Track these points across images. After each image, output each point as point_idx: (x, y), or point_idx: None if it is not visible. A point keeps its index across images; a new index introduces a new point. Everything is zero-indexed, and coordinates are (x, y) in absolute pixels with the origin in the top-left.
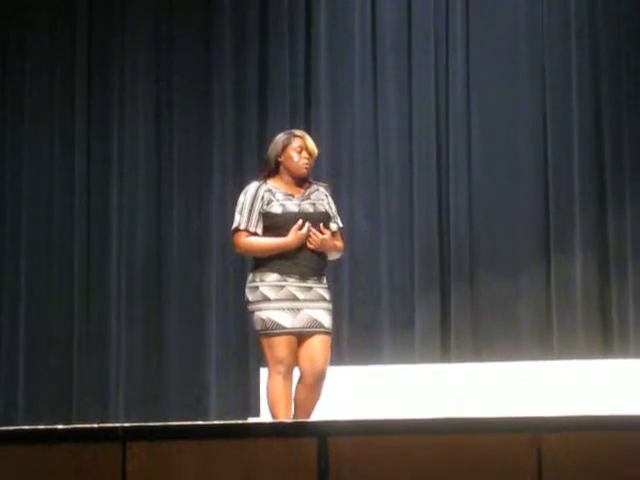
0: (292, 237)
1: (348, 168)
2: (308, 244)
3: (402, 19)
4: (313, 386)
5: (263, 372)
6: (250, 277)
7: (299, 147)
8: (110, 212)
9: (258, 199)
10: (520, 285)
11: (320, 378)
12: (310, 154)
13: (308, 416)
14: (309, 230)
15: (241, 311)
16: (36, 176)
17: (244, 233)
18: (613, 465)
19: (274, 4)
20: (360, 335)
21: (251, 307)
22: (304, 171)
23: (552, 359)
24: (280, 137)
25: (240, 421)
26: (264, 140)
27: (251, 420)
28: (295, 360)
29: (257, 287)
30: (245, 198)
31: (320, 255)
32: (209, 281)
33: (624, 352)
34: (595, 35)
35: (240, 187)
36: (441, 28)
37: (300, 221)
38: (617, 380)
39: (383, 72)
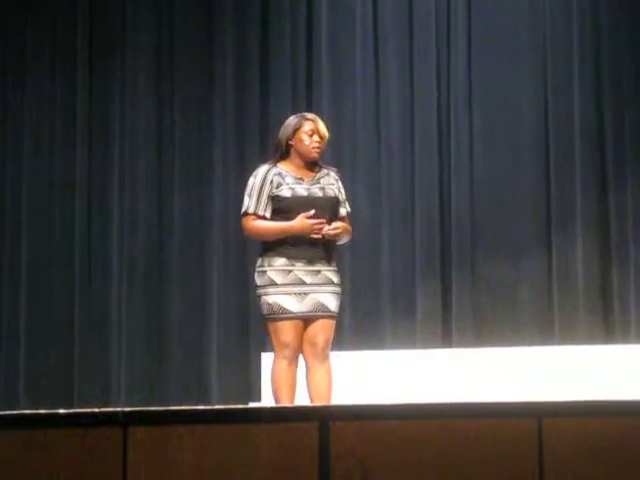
0: (298, 223)
1: (349, 154)
2: (313, 235)
3: (404, 6)
4: (315, 368)
5: (264, 357)
6: (259, 261)
7: (310, 130)
8: (111, 198)
9: (267, 182)
10: (521, 270)
11: (320, 359)
12: (321, 138)
13: (325, 402)
14: (317, 222)
15: (242, 296)
16: (37, 164)
17: (252, 217)
18: (614, 450)
19: None
20: (362, 320)
21: (258, 291)
22: (315, 155)
23: (553, 344)
24: (291, 120)
25: (241, 406)
26: (266, 128)
27: (252, 405)
28: (301, 344)
29: (265, 271)
30: (255, 181)
31: (329, 240)
32: (210, 266)
33: (625, 338)
34: (597, 23)
35: (241, 173)
36: (443, 15)
37: (313, 211)
38: (618, 365)
39: (385, 58)
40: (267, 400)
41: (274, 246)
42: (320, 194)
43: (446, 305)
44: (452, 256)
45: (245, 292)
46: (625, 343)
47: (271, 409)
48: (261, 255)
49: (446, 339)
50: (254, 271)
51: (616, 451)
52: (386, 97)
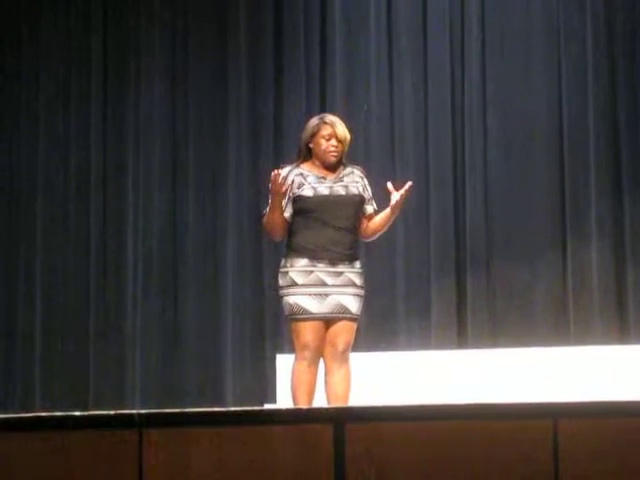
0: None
1: (363, 155)
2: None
3: (418, 10)
4: (334, 370)
5: (279, 358)
6: (282, 262)
7: (328, 135)
8: (126, 200)
9: (287, 184)
10: (536, 271)
11: (339, 361)
12: (340, 141)
13: (341, 404)
14: (274, 175)
15: (257, 298)
16: (51, 164)
17: None
18: (630, 451)
19: None
20: (376, 322)
21: (281, 292)
22: (331, 159)
23: (568, 345)
24: (311, 123)
25: (256, 407)
26: (280, 130)
27: (267, 407)
28: (322, 346)
29: (287, 272)
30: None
31: (353, 240)
32: (225, 268)
33: None
34: (611, 20)
35: (255, 176)
36: (456, 18)
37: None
38: (634, 366)
39: (399, 61)
40: (282, 402)
41: (297, 247)
42: (343, 192)
43: (461, 306)
44: (467, 257)
45: (260, 294)
46: None
47: (286, 411)
48: (284, 256)
49: (461, 340)
50: (278, 272)
51: (632, 452)
52: (400, 100)
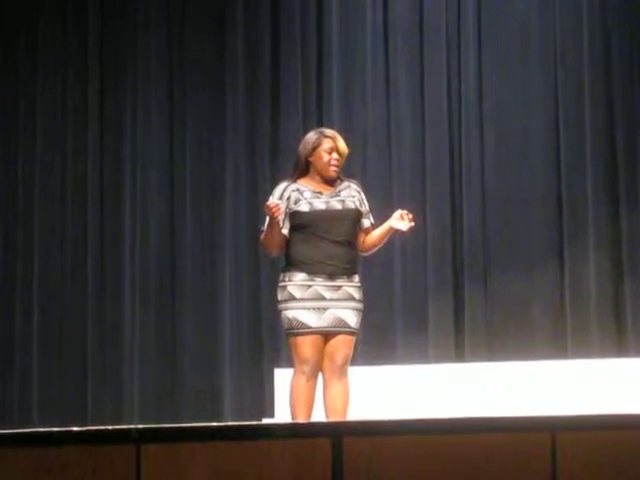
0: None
1: (360, 168)
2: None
3: (414, 21)
4: (332, 384)
5: (277, 373)
6: (280, 277)
7: (329, 148)
8: (123, 214)
9: (284, 199)
10: (534, 284)
11: (338, 375)
12: (341, 155)
13: (340, 419)
14: (270, 204)
15: (254, 312)
16: (49, 179)
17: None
18: (628, 464)
19: None
20: (374, 335)
21: (279, 306)
22: (332, 173)
23: (566, 358)
24: (310, 137)
25: (254, 422)
26: (276, 144)
27: (265, 421)
28: (321, 360)
29: (285, 286)
30: (271, 200)
31: (350, 254)
32: (222, 282)
33: (638, 351)
34: (606, 25)
35: (252, 190)
36: (453, 29)
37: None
38: (631, 379)
39: (395, 73)
40: (280, 416)
41: (295, 261)
42: (339, 207)
43: (458, 319)
44: (464, 270)
45: (257, 308)
46: (638, 356)
47: (284, 425)
48: (283, 270)
49: (459, 354)
50: (276, 287)
51: (630, 465)
52: (396, 112)
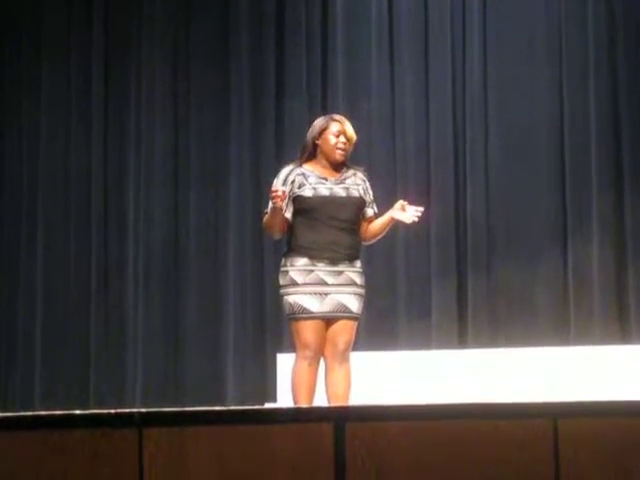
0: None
1: (365, 156)
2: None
3: (419, 14)
4: (334, 369)
5: (280, 358)
6: (282, 262)
7: (337, 132)
8: (127, 200)
9: (288, 183)
10: (537, 271)
11: (340, 360)
12: (348, 139)
13: (342, 404)
14: (272, 191)
15: (258, 297)
16: (53, 169)
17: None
18: (631, 451)
19: None
20: (377, 321)
21: (281, 291)
22: (338, 156)
23: (569, 345)
24: (319, 121)
25: (257, 407)
26: (282, 132)
27: (268, 406)
28: (323, 345)
29: (287, 271)
30: (276, 182)
31: (353, 240)
32: (226, 267)
33: None
34: (613, 27)
35: (257, 176)
36: (458, 21)
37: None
38: (634, 366)
39: (400, 64)
40: (283, 401)
41: (296, 246)
42: (343, 194)
43: (461, 306)
44: (468, 257)
45: (261, 293)
46: None
47: (286, 410)
48: (284, 255)
49: (461, 339)
50: (278, 272)
51: (633, 452)
52: (401, 103)
